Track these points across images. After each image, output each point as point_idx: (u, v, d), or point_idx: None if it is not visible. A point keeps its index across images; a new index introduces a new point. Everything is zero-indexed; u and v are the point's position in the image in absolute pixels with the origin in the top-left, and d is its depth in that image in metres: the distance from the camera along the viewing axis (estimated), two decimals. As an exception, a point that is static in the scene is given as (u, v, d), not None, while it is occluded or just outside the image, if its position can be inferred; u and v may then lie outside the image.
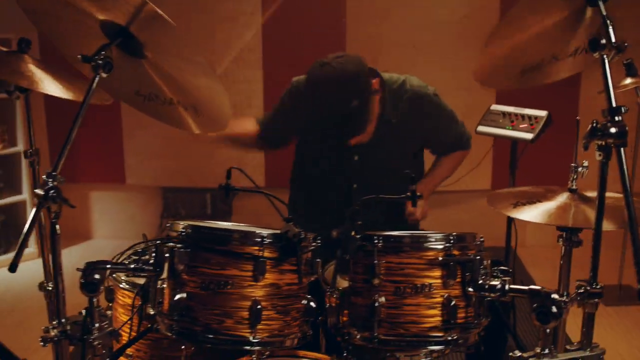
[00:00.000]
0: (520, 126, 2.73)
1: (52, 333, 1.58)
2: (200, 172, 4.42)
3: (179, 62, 1.64)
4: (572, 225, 1.68)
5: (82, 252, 4.35)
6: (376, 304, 1.44)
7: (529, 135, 2.69)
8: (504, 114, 2.82)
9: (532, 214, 1.71)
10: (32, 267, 3.74)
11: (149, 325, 1.75)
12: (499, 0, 4.09)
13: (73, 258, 4.08)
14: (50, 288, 2.31)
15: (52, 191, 1.50)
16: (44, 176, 1.52)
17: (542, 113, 2.71)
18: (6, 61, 2.10)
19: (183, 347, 1.89)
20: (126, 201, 4.60)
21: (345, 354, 1.61)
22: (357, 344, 1.54)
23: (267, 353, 1.68)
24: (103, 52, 1.55)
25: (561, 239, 1.76)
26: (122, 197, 4.58)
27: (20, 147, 4.10)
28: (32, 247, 4.21)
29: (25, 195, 4.17)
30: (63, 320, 1.58)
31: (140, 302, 1.68)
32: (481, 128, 2.84)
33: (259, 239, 1.49)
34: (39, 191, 1.50)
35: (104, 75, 1.55)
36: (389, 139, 2.33)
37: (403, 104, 2.33)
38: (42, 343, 1.57)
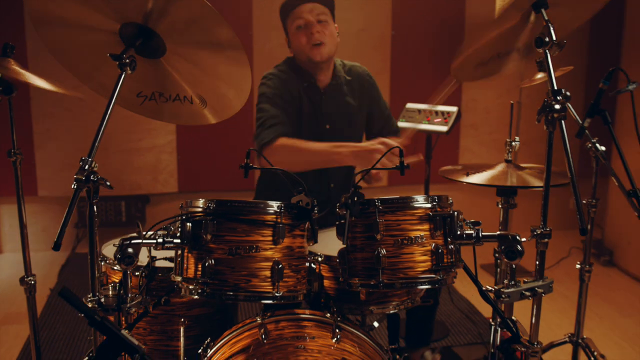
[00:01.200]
0: (435, 120, 3.17)
1: (89, 305, 1.76)
2: (114, 181, 4.49)
3: (198, 49, 1.85)
4: (510, 185, 2.10)
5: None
6: (380, 255, 1.76)
7: (444, 128, 3.13)
8: (419, 110, 3.25)
9: (481, 178, 2.12)
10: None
11: (158, 299, 1.96)
12: (391, 15, 4.55)
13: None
14: (32, 282, 2.41)
15: (92, 175, 1.68)
16: (81, 162, 1.68)
17: (453, 109, 3.16)
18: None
19: (182, 319, 2.13)
20: (39, 213, 4.58)
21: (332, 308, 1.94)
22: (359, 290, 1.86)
23: (268, 314, 1.95)
24: (127, 50, 1.76)
25: (500, 203, 2.18)
26: (34, 210, 4.55)
27: None
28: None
29: None
30: (97, 293, 1.75)
31: (146, 280, 1.89)
32: (401, 124, 3.24)
33: (278, 208, 1.76)
34: (80, 175, 1.67)
35: (129, 72, 1.76)
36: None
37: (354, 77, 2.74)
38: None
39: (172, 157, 4.51)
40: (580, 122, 2.16)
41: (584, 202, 2.51)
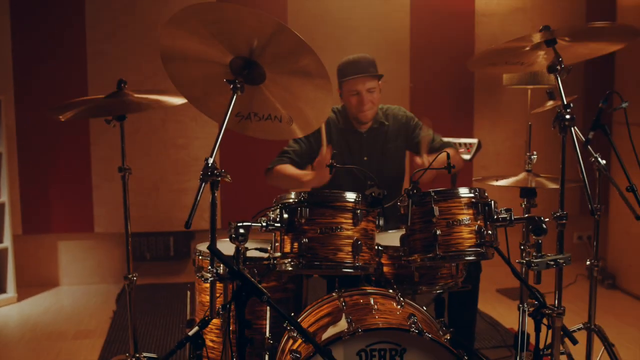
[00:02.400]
0: (460, 150, 3.72)
1: (208, 275, 2.24)
2: (163, 218, 5.01)
3: (293, 79, 2.40)
4: (531, 186, 2.62)
5: (49, 299, 4.73)
6: (437, 233, 2.26)
7: (467, 156, 3.67)
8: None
9: (508, 181, 2.65)
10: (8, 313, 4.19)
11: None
12: (409, 69, 5.16)
13: (40, 305, 4.54)
14: (134, 278, 2.88)
15: (214, 170, 2.18)
16: (205, 160, 2.17)
17: (474, 140, 3.71)
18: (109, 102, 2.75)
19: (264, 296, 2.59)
20: (94, 249, 5.04)
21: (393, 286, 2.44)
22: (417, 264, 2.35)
23: (343, 290, 2.44)
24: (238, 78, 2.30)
25: (523, 204, 2.70)
26: (90, 245, 5.02)
27: (3, 198, 4.50)
28: (10, 293, 4.58)
29: (6, 243, 4.54)
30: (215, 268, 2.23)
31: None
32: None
33: (357, 197, 2.27)
34: (205, 171, 2.17)
35: (240, 94, 2.30)
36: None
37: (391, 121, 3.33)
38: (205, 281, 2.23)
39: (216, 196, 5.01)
40: (584, 137, 2.68)
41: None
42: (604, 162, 2.77)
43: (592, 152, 2.76)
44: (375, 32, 5.10)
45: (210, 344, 2.67)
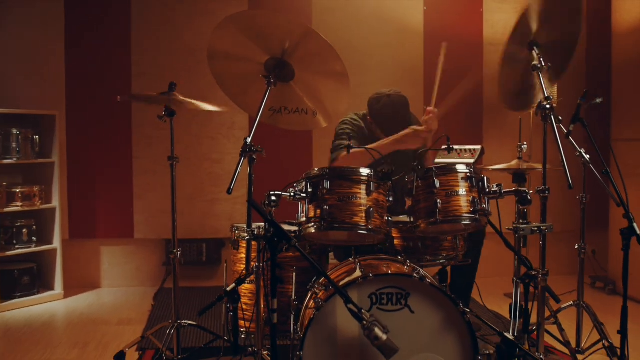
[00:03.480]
0: (464, 155, 4.14)
1: (245, 235, 2.69)
2: (197, 226, 5.47)
3: (317, 76, 2.88)
4: (523, 168, 3.05)
5: (92, 297, 5.17)
6: (438, 202, 2.70)
7: (471, 160, 4.10)
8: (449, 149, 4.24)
9: (503, 166, 3.09)
10: (56, 307, 4.64)
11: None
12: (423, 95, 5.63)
13: (84, 301, 5.01)
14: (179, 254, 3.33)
15: (252, 147, 2.64)
16: (244, 139, 2.64)
17: (478, 147, 4.14)
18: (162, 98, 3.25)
19: (293, 267, 3.03)
20: (134, 254, 5.50)
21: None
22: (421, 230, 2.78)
23: (358, 256, 2.86)
24: (272, 74, 2.79)
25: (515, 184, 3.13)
26: (130, 250, 5.48)
27: (55, 203, 5.00)
28: (58, 290, 5.04)
29: (56, 244, 5.02)
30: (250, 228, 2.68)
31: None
32: (438, 160, 4.22)
33: (370, 173, 2.72)
34: (245, 148, 2.63)
35: (273, 87, 2.78)
36: None
37: None
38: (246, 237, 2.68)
39: (245, 207, 5.47)
40: (566, 130, 3.11)
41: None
42: (587, 156, 3.16)
43: (577, 146, 3.15)
44: (390, 59, 5.60)
45: (244, 306, 3.09)
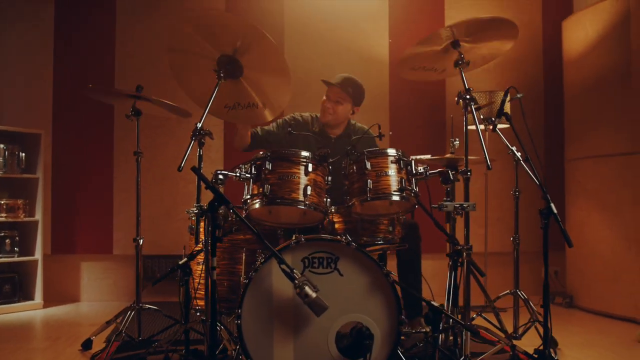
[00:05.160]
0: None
1: (194, 209, 2.98)
2: (172, 242, 5.73)
3: (264, 74, 3.21)
4: (452, 158, 3.36)
5: (70, 308, 5.38)
6: (369, 182, 2.99)
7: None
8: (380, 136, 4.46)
9: (435, 156, 3.40)
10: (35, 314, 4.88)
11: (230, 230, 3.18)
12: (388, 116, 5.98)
13: (62, 311, 5.26)
14: (142, 242, 3.60)
15: (202, 130, 2.96)
16: (195, 124, 2.96)
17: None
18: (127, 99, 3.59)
19: (243, 249, 3.30)
20: (112, 270, 5.74)
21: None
22: (357, 209, 3.06)
23: (302, 238, 3.13)
24: (222, 69, 3.12)
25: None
26: (109, 266, 5.73)
27: (37, 217, 5.29)
28: (37, 299, 5.28)
29: (37, 256, 5.28)
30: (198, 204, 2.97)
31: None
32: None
33: (307, 155, 3.02)
34: (195, 132, 2.95)
35: (223, 81, 3.11)
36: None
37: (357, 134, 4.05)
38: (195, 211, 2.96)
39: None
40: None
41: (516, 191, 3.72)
42: (519, 154, 3.45)
43: (508, 144, 3.46)
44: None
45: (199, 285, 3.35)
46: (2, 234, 5.10)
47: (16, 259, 5.19)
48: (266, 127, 4.07)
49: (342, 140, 4.04)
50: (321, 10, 5.96)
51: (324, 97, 4.02)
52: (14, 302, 5.15)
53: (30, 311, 5.17)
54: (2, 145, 5.09)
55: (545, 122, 6.10)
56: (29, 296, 5.32)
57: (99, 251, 5.71)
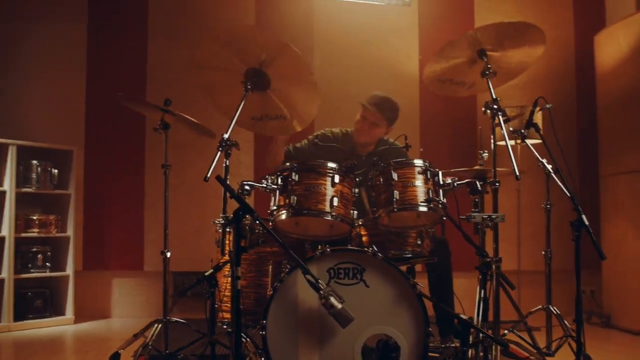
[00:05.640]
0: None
1: (220, 220, 2.97)
2: (203, 258, 5.71)
3: (291, 85, 3.22)
4: (481, 169, 3.31)
5: (101, 324, 5.41)
6: (395, 192, 2.96)
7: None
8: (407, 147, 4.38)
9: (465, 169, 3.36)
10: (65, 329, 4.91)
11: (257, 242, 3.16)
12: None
13: (93, 326, 5.29)
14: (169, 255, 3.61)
15: (228, 141, 2.97)
16: (222, 135, 2.97)
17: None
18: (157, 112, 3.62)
19: (270, 261, 3.28)
20: (143, 286, 5.77)
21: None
22: (384, 222, 3.03)
23: (328, 249, 3.11)
24: (249, 82, 3.14)
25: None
26: (140, 282, 5.76)
27: (69, 232, 5.35)
28: (68, 315, 5.32)
29: (69, 272, 5.33)
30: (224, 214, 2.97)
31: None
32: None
33: (334, 166, 3.00)
34: (222, 142, 2.96)
35: (250, 93, 3.12)
36: None
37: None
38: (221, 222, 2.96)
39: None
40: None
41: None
42: (549, 166, 3.39)
43: (538, 155, 3.41)
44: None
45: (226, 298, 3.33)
46: (35, 249, 5.16)
47: (48, 274, 5.24)
48: (298, 145, 4.07)
49: (373, 157, 4.01)
50: (351, 26, 5.98)
51: (359, 117, 4.00)
52: (45, 317, 5.20)
53: (61, 326, 5.21)
54: (35, 162, 5.17)
55: (578, 138, 6.00)
56: (60, 311, 5.36)
57: (130, 267, 5.75)
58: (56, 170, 5.33)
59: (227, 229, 3.03)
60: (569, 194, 3.04)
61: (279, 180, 3.04)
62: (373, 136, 4.04)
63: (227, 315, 3.34)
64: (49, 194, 5.36)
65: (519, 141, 3.93)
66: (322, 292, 2.57)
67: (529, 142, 3.25)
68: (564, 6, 6.09)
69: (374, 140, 4.07)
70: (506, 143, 2.98)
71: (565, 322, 3.62)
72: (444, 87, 3.41)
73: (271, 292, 3.04)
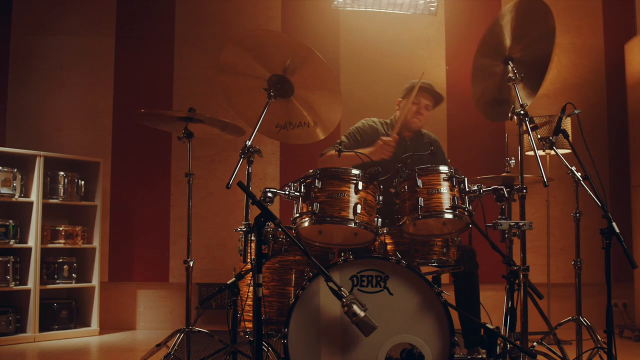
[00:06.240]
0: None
1: (242, 227, 2.94)
2: (229, 271, 5.71)
3: (315, 92, 3.19)
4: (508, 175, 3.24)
5: (126, 335, 5.40)
6: (419, 199, 2.90)
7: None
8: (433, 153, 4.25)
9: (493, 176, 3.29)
10: (91, 340, 4.91)
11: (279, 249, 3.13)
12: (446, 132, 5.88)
13: (118, 338, 5.29)
14: (192, 263, 3.59)
15: (251, 148, 2.95)
16: (244, 143, 2.95)
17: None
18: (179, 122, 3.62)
19: (293, 270, 3.24)
20: (168, 298, 5.77)
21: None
22: (409, 230, 2.97)
23: (350, 256, 3.06)
24: (272, 89, 3.12)
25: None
26: (165, 294, 5.75)
27: (95, 244, 5.37)
28: (94, 326, 5.32)
29: (94, 283, 5.35)
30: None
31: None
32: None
33: (358, 173, 2.96)
34: (244, 149, 2.94)
35: (273, 100, 3.09)
36: None
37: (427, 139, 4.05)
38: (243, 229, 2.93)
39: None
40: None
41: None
42: (578, 174, 3.31)
43: (567, 163, 3.33)
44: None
45: (248, 308, 3.29)
46: (61, 260, 5.18)
47: (74, 285, 5.26)
48: (345, 139, 4.06)
49: (417, 141, 4.02)
50: (377, 37, 5.96)
51: (411, 104, 3.95)
52: (71, 328, 5.21)
53: (86, 337, 5.22)
54: (62, 173, 5.21)
55: (609, 148, 5.87)
56: (86, 323, 5.37)
57: (156, 279, 5.75)
58: (83, 182, 5.36)
59: (250, 237, 3.00)
60: (598, 202, 2.96)
61: (302, 187, 3.00)
62: (425, 119, 4.05)
63: (250, 325, 3.29)
64: (76, 205, 5.39)
65: (547, 151, 3.87)
66: (344, 299, 2.52)
67: (557, 151, 3.16)
68: (594, 15, 5.99)
69: (422, 125, 4.08)
70: (533, 149, 2.92)
71: (596, 333, 3.50)
72: (492, 111, 3.38)
73: (293, 301, 3.03)
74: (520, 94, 3.03)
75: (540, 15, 3.10)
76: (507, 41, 3.12)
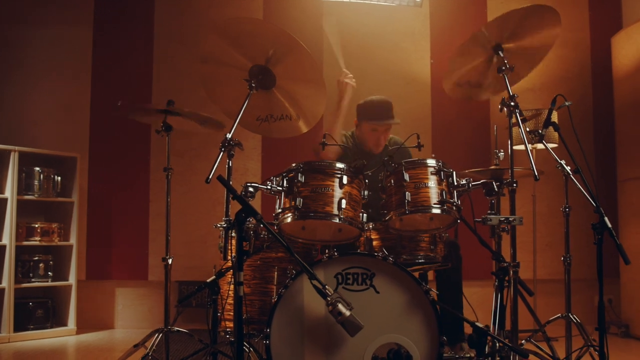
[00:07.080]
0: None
1: (222, 223, 2.82)
2: (209, 269, 5.58)
3: (298, 84, 3.08)
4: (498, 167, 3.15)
5: (104, 335, 5.27)
6: (406, 194, 2.80)
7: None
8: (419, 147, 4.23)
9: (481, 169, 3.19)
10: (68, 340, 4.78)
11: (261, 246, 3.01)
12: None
13: (96, 337, 5.17)
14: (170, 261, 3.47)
15: (231, 141, 2.83)
16: (225, 136, 2.83)
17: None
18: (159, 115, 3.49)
19: (275, 267, 3.13)
20: (146, 296, 5.63)
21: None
22: (395, 225, 2.87)
23: (335, 253, 2.95)
24: (253, 80, 3.00)
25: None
26: (144, 293, 5.62)
27: (72, 241, 5.22)
28: (71, 325, 5.18)
29: (71, 281, 5.20)
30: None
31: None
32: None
33: (342, 167, 2.85)
34: (224, 143, 2.82)
35: (254, 92, 2.97)
36: None
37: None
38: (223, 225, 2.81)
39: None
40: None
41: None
42: (568, 168, 3.23)
43: (556, 157, 3.25)
44: (400, 109, 5.78)
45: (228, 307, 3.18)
46: (36, 258, 5.03)
47: (50, 283, 5.11)
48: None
49: (382, 156, 3.88)
50: (361, 30, 5.84)
51: (368, 131, 3.90)
52: (47, 328, 5.06)
53: (63, 337, 5.07)
54: (37, 169, 5.06)
55: (594, 141, 5.82)
56: (62, 322, 5.23)
57: (134, 277, 5.61)
58: (59, 177, 5.21)
59: (230, 233, 2.88)
60: (588, 196, 2.88)
61: (285, 181, 2.89)
62: (386, 139, 3.95)
63: (231, 324, 3.19)
64: (52, 202, 5.24)
65: (535, 145, 3.77)
66: (329, 298, 2.41)
67: (549, 146, 3.08)
68: (580, 8, 5.92)
69: (387, 139, 3.98)
70: (524, 141, 2.82)
71: (585, 330, 3.43)
72: (462, 91, 3.26)
73: (275, 299, 2.92)
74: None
75: (545, 22, 3.02)
76: (498, 33, 3.00)
